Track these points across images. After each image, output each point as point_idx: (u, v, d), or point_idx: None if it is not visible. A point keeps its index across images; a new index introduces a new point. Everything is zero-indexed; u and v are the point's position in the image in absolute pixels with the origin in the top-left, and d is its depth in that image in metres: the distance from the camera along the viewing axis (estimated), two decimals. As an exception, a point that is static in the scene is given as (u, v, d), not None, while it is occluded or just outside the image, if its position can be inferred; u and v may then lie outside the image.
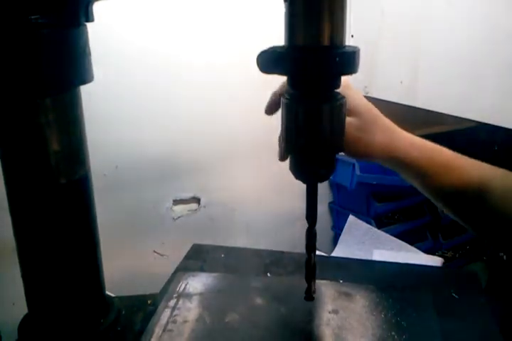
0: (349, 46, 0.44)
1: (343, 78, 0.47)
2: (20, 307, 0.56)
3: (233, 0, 1.07)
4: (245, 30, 1.08)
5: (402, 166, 0.60)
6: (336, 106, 0.45)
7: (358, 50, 0.43)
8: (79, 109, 0.51)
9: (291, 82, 0.46)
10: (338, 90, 0.47)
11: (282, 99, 0.47)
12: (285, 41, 0.44)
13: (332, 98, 0.46)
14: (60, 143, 0.49)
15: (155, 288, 0.67)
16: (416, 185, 0.62)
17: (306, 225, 0.53)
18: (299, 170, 0.49)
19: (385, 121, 0.59)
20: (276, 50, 0.43)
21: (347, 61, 0.42)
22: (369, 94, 1.18)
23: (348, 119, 0.53)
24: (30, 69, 0.45)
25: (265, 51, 0.44)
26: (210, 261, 0.74)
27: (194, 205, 1.19)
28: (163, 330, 0.56)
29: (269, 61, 0.43)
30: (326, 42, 0.42)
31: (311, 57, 0.42)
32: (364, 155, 0.57)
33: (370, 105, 0.58)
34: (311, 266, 0.55)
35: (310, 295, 0.57)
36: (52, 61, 0.46)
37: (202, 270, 0.70)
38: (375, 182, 1.26)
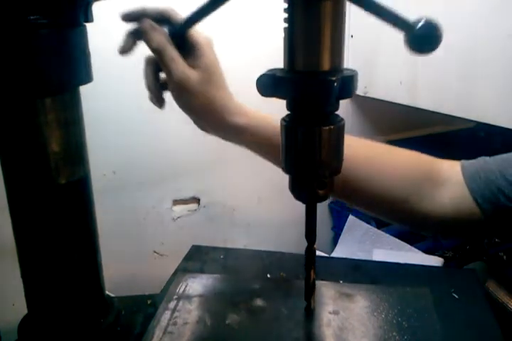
0: (347, 69, 0.44)
1: (207, 37, 0.56)
2: (20, 307, 0.56)
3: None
4: (246, 34, 1.08)
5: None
6: (334, 129, 0.46)
7: (356, 73, 0.44)
8: (79, 109, 0.51)
9: (289, 105, 0.46)
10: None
11: (281, 122, 0.47)
12: (284, 65, 0.45)
13: (330, 121, 0.46)
14: (59, 144, 0.49)
15: (155, 288, 0.67)
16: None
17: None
18: (298, 191, 0.50)
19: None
20: (275, 73, 0.44)
21: (346, 85, 0.43)
22: (368, 94, 1.18)
23: (193, 73, 0.56)
24: (30, 69, 0.45)
25: (264, 75, 0.44)
26: (209, 262, 0.73)
27: (194, 205, 1.19)
28: (164, 332, 0.56)
29: (269, 85, 0.44)
30: (325, 67, 0.42)
31: (311, 82, 0.42)
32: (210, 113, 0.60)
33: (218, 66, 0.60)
34: (311, 283, 0.55)
35: (309, 310, 0.58)
36: (52, 61, 0.46)
37: (201, 271, 0.70)
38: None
